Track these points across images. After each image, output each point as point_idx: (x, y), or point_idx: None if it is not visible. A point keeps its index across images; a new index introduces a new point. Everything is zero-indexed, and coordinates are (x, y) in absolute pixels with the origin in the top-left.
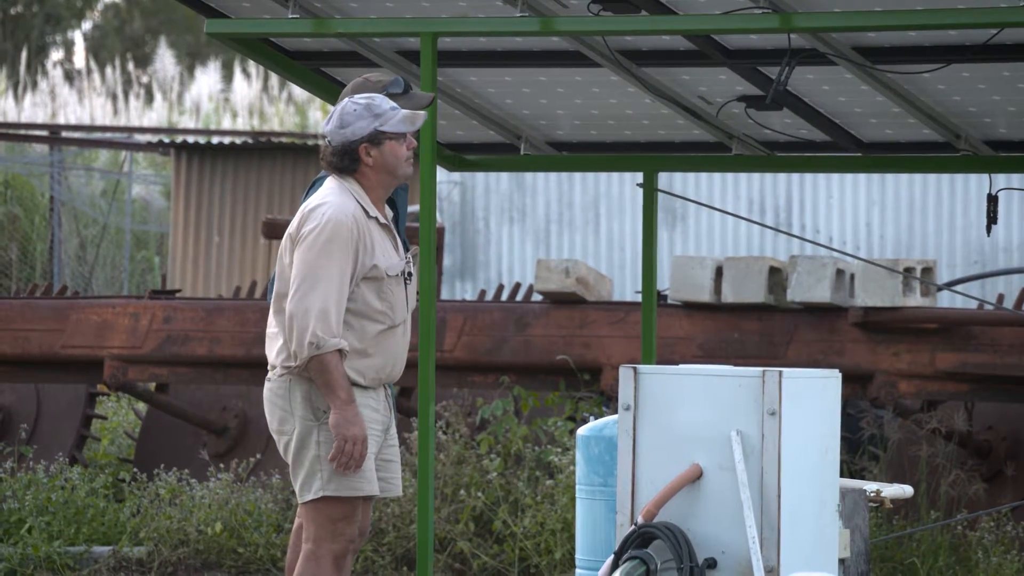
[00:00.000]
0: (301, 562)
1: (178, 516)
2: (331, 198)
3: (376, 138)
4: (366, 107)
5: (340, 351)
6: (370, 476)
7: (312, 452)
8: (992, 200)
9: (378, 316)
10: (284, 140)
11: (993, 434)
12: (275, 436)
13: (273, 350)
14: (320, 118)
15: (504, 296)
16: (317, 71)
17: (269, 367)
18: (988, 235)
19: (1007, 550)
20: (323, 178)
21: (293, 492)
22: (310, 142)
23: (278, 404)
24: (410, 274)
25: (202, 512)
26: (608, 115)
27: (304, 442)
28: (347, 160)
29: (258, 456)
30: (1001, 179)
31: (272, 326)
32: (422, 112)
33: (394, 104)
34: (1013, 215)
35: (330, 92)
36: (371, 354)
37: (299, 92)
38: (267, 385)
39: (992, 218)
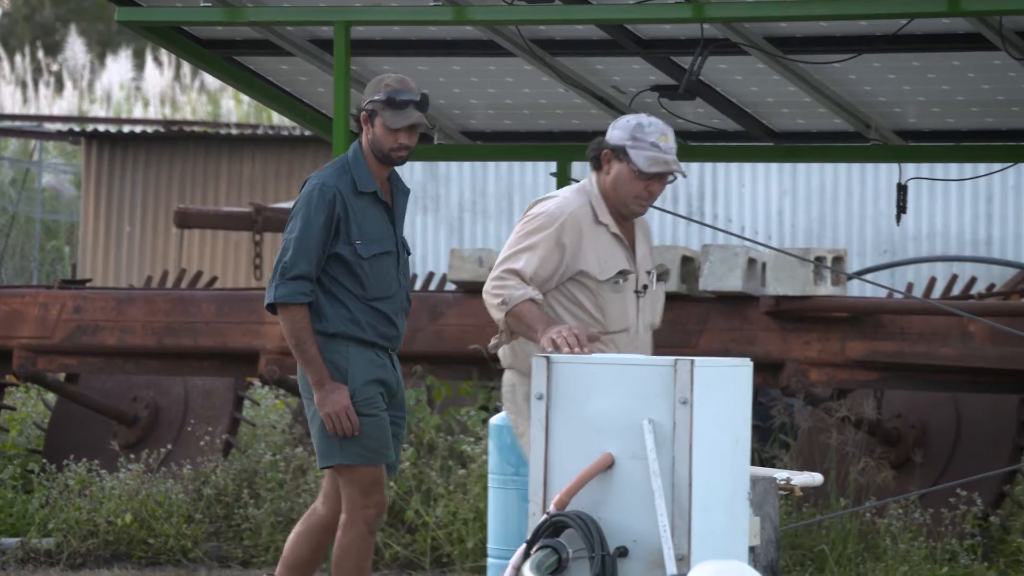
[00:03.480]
0: None
1: (88, 507)
2: (563, 194)
3: (619, 153)
4: (636, 124)
5: (533, 300)
6: None
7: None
8: (902, 189)
9: (588, 320)
10: (196, 129)
11: (902, 422)
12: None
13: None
14: (233, 107)
15: (417, 285)
16: (229, 60)
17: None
18: (898, 224)
19: (915, 537)
20: (311, 178)
21: (204, 483)
22: (222, 131)
23: (508, 408)
24: (644, 287)
25: (112, 503)
26: (522, 104)
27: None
28: (595, 159)
29: (169, 447)
30: (910, 168)
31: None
32: (667, 159)
33: (658, 144)
34: (922, 204)
35: (242, 81)
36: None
37: (212, 81)
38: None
39: (902, 207)
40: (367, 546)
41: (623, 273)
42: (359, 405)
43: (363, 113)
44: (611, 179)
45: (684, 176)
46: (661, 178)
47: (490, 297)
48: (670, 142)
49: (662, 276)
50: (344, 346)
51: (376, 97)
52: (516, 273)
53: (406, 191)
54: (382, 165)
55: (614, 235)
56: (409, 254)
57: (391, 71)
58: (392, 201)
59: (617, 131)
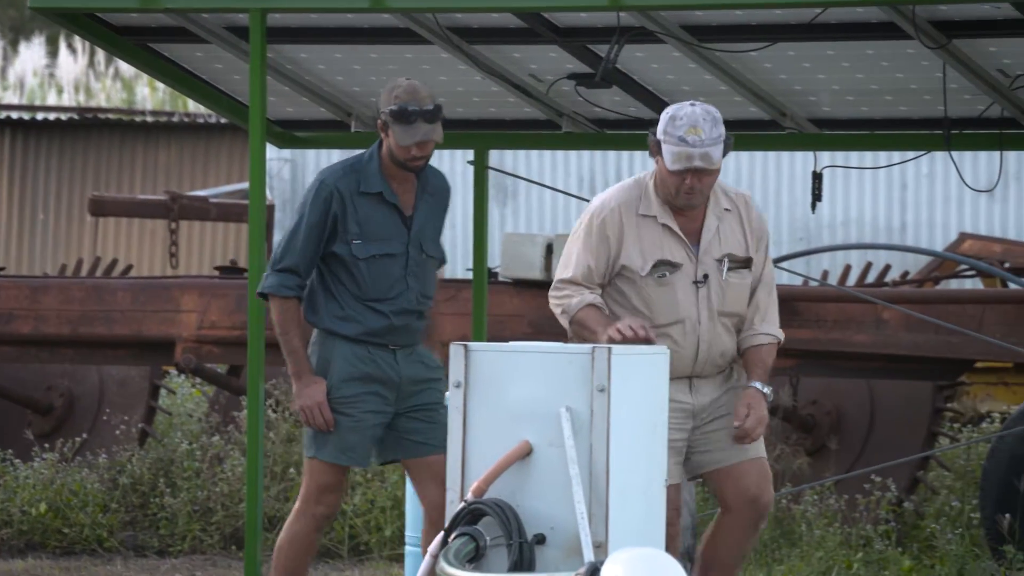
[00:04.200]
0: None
1: (1, 497)
2: (612, 188)
3: (658, 146)
4: (669, 118)
5: (592, 304)
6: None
7: None
8: (817, 177)
9: (634, 315)
10: (111, 116)
11: (817, 408)
12: None
13: None
14: (148, 94)
15: None
16: (144, 47)
17: None
18: (813, 212)
19: (830, 523)
20: (318, 174)
21: (120, 472)
22: (138, 119)
23: None
24: (706, 276)
25: (26, 492)
26: (439, 92)
27: None
28: (648, 150)
29: (84, 436)
30: (825, 156)
31: None
32: (690, 153)
33: (685, 138)
34: (837, 192)
35: (157, 68)
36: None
37: (126, 68)
38: None
39: (817, 195)
40: (311, 541)
41: (668, 265)
42: (334, 403)
43: (379, 120)
44: (657, 172)
45: (714, 168)
46: (695, 170)
47: (554, 308)
48: (700, 134)
49: (743, 263)
50: (332, 342)
51: (388, 108)
52: (569, 282)
53: (434, 192)
54: (402, 169)
55: (664, 226)
56: (432, 257)
57: (308, 59)
58: (416, 202)
59: (659, 123)
